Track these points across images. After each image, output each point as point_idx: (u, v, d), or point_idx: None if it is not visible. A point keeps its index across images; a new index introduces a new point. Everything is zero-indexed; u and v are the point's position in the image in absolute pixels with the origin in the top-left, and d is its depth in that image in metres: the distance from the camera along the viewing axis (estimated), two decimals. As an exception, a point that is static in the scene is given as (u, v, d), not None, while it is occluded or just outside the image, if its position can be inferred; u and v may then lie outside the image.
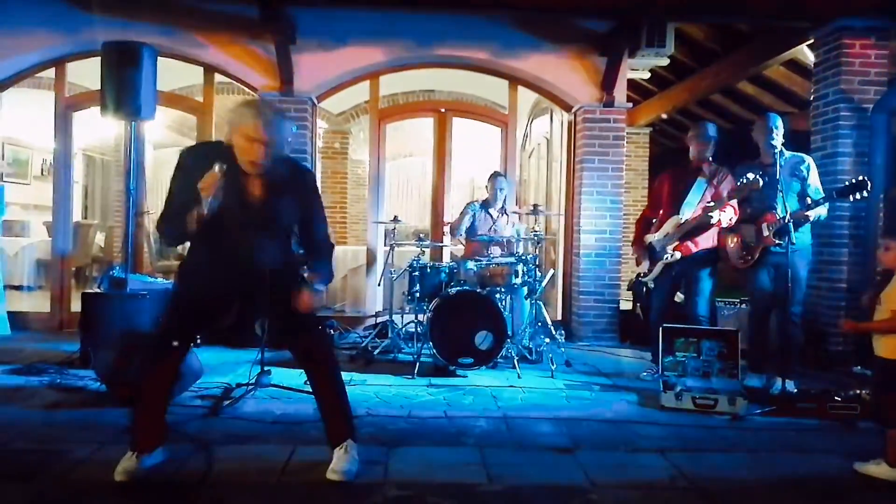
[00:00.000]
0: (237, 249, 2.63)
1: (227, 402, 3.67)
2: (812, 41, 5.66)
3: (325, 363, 2.84)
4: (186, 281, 2.76)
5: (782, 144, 4.28)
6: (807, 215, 4.14)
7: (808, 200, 4.17)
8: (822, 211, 4.20)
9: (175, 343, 2.71)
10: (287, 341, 2.89)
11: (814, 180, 4.34)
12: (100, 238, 9.31)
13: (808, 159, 4.42)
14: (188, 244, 2.80)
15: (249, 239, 2.63)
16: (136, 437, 2.67)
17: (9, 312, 5.79)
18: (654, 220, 4.80)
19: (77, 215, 9.42)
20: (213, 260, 2.67)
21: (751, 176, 4.10)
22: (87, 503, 2.41)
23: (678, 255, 4.52)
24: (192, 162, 2.58)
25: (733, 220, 4.40)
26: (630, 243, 5.16)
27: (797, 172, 4.32)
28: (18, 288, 8.04)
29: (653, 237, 4.72)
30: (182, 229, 2.56)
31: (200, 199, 2.45)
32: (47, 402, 3.65)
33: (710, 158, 4.61)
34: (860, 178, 3.85)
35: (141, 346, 3.65)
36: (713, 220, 4.38)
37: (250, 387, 3.91)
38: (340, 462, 2.68)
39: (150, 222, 6.64)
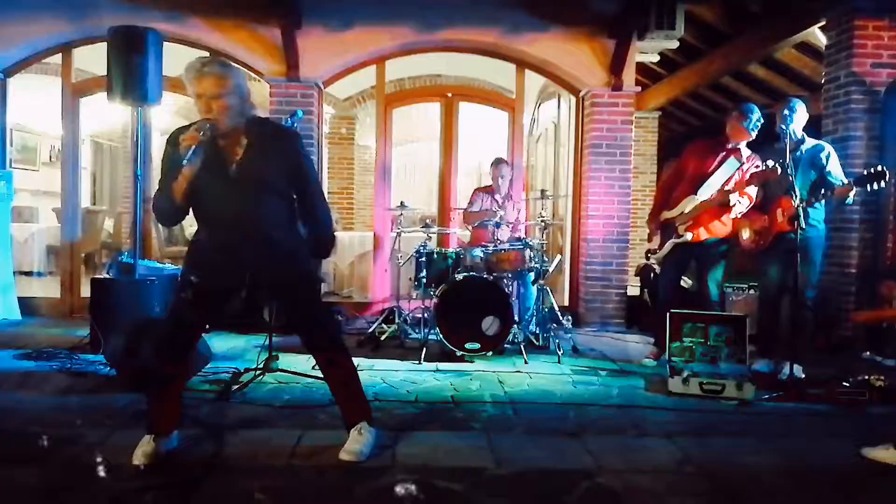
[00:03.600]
0: (231, 218, 2.61)
1: (235, 387, 3.69)
2: (824, 23, 5.57)
3: (331, 350, 2.83)
4: (193, 262, 2.74)
5: (803, 131, 4.21)
6: (842, 193, 3.97)
7: (823, 188, 4.10)
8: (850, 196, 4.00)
9: (186, 329, 2.74)
10: (293, 327, 2.90)
11: (833, 167, 4.25)
12: (108, 224, 9.37)
13: (828, 147, 4.34)
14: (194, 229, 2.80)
15: (240, 204, 2.60)
16: (154, 421, 2.69)
17: (20, 298, 5.84)
18: (672, 191, 4.60)
19: (86, 202, 9.47)
20: (212, 235, 2.68)
21: (770, 163, 4.04)
22: (98, 487, 2.43)
23: (689, 236, 4.40)
24: (177, 140, 2.60)
25: (747, 208, 4.30)
26: (637, 227, 5.10)
27: (816, 161, 4.25)
28: (29, 274, 8.12)
29: (669, 214, 4.56)
30: (171, 201, 2.58)
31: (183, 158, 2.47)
32: (58, 387, 3.68)
33: (747, 142, 4.40)
34: (879, 168, 3.75)
35: (151, 332, 3.68)
36: (731, 203, 4.26)
37: (259, 372, 3.93)
38: (353, 442, 2.71)
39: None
